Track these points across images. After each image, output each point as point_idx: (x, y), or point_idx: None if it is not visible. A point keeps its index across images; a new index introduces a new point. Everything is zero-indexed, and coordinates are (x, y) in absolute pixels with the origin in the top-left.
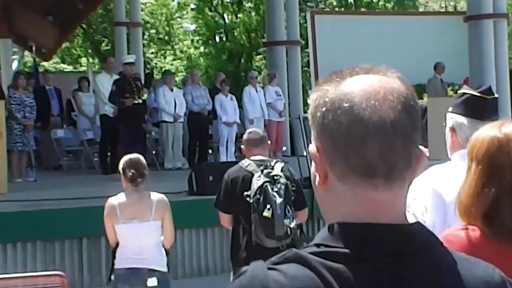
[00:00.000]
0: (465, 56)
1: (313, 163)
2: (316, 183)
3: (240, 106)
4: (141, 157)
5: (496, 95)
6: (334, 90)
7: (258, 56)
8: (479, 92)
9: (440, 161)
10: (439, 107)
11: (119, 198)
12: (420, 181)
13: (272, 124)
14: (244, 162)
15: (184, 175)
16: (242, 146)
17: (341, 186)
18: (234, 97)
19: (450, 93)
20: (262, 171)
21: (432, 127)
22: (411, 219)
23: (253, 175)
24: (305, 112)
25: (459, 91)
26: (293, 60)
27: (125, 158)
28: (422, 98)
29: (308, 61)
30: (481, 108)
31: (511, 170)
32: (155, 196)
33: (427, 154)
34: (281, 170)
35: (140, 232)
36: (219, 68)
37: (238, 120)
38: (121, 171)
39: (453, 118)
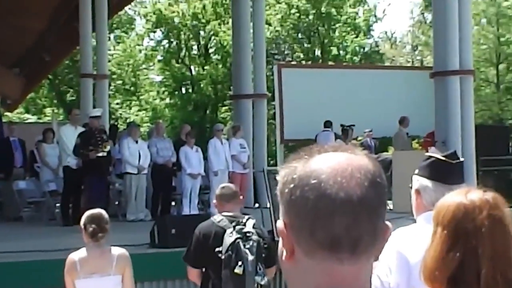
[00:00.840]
0: (431, 110)
1: (280, 238)
2: (283, 258)
3: (205, 157)
4: (103, 212)
5: (461, 159)
6: (302, 167)
7: (223, 108)
8: (444, 156)
9: (404, 215)
10: (404, 161)
11: (79, 254)
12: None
13: (236, 176)
14: (216, 218)
15: (147, 227)
16: (214, 201)
17: (307, 260)
18: (199, 149)
19: (415, 146)
20: (234, 227)
21: (397, 181)
22: (375, 281)
23: (225, 231)
24: (269, 164)
25: (425, 154)
26: (259, 112)
27: (87, 213)
28: (387, 151)
29: (274, 113)
30: (446, 172)
31: (476, 236)
32: (116, 250)
33: (391, 207)
34: (253, 227)
35: (100, 287)
36: (185, 119)
37: (202, 172)
38: (82, 226)
39: (419, 181)
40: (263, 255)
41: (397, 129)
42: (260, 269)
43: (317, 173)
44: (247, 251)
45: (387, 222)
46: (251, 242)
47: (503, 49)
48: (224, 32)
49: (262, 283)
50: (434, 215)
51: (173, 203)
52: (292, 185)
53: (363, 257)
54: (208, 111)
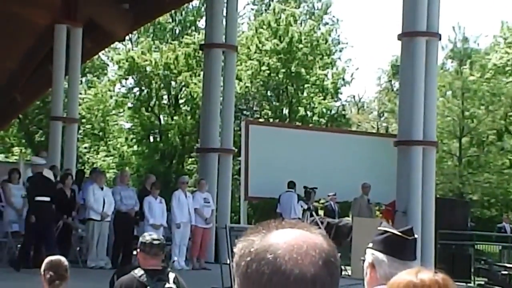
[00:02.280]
0: (394, 178)
1: None
2: None
3: (168, 209)
4: (63, 259)
5: (415, 236)
6: (260, 241)
7: (190, 159)
8: (400, 232)
9: (361, 281)
10: (364, 227)
11: None
12: None
13: (198, 230)
14: (137, 272)
15: (107, 275)
16: (138, 251)
17: None
18: (163, 200)
19: (377, 213)
20: (155, 283)
21: (356, 247)
22: None
23: (145, 286)
24: (232, 220)
25: (379, 228)
26: (225, 167)
27: (47, 259)
28: (349, 216)
29: (239, 169)
30: (401, 247)
31: None
32: None
33: (349, 273)
34: (173, 282)
35: None
36: (151, 168)
37: (165, 223)
38: (41, 272)
39: (374, 255)
40: None
41: (359, 194)
42: None
43: (274, 248)
44: None
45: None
46: None
47: (467, 122)
48: (195, 84)
49: None
50: None
51: (134, 253)
52: (248, 258)
53: None
54: (174, 162)
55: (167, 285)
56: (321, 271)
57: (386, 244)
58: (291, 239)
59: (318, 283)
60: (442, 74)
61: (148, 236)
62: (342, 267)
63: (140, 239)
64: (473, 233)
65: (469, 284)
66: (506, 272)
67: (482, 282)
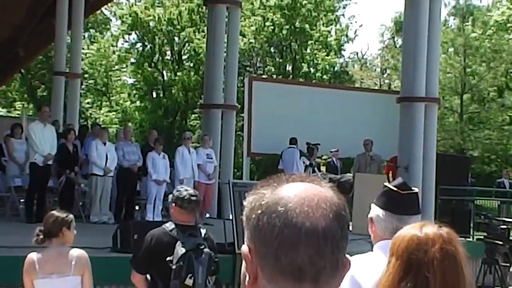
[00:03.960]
0: (396, 134)
1: (243, 263)
2: (246, 283)
3: (172, 165)
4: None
5: (413, 190)
6: (271, 194)
7: (193, 115)
8: (394, 186)
9: (363, 237)
10: (366, 183)
11: (39, 253)
12: None
13: (201, 186)
14: (169, 226)
15: (110, 230)
16: (172, 205)
17: (270, 287)
18: (166, 156)
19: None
20: (186, 238)
21: (358, 202)
22: None
23: (177, 240)
24: (235, 176)
25: (384, 183)
26: (228, 124)
27: (48, 214)
28: (350, 172)
29: (242, 125)
30: (395, 202)
31: (428, 268)
32: (75, 251)
33: (350, 229)
34: (204, 238)
35: (58, 287)
36: (154, 123)
37: (168, 179)
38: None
39: (373, 210)
40: (212, 268)
41: (361, 150)
42: (209, 282)
43: (285, 201)
44: (198, 263)
45: (348, 256)
46: (203, 255)
47: (469, 79)
48: (199, 39)
49: None
50: (390, 245)
51: (137, 208)
52: (259, 211)
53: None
54: (177, 117)
55: (197, 240)
56: (332, 224)
57: (384, 199)
58: (302, 192)
59: (329, 236)
60: (444, 31)
61: (185, 191)
62: None
63: (175, 193)
64: (473, 188)
65: (468, 239)
66: (504, 227)
67: (482, 237)
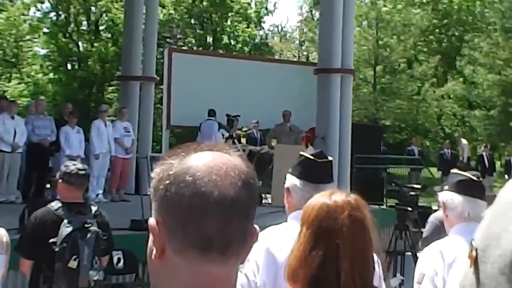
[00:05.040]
0: (314, 105)
1: (150, 236)
2: (152, 256)
3: (87, 139)
4: None
5: (329, 159)
6: (178, 164)
7: (110, 88)
8: (311, 155)
9: (281, 209)
10: (285, 154)
11: None
12: None
13: (118, 160)
14: (54, 205)
15: (17, 210)
16: (59, 181)
17: (177, 260)
18: (81, 130)
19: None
20: (72, 216)
21: (277, 174)
22: (242, 280)
23: (62, 220)
24: (154, 150)
25: (299, 153)
26: (147, 96)
27: None
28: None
29: (161, 98)
30: (313, 171)
31: (338, 235)
32: (2, 231)
33: (269, 201)
34: (94, 216)
35: None
36: (69, 96)
37: (82, 154)
38: None
39: (289, 180)
40: (102, 247)
41: (280, 121)
42: (96, 263)
43: (193, 170)
44: (84, 243)
45: (255, 226)
46: (89, 234)
47: (381, 51)
48: (117, 9)
49: (96, 278)
50: (301, 215)
51: (48, 186)
52: (167, 182)
53: (233, 259)
54: (94, 90)
55: (84, 219)
56: (240, 192)
57: (300, 168)
58: (211, 161)
59: (238, 204)
60: (358, 5)
61: (72, 165)
62: (263, 195)
63: (63, 168)
64: (385, 156)
65: (382, 206)
66: (413, 193)
67: (393, 204)
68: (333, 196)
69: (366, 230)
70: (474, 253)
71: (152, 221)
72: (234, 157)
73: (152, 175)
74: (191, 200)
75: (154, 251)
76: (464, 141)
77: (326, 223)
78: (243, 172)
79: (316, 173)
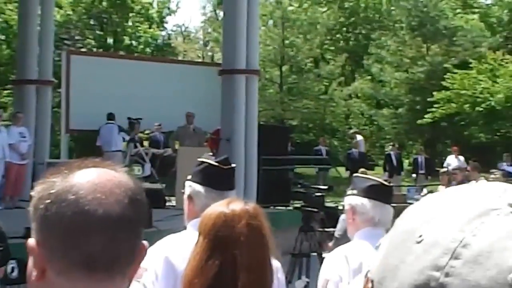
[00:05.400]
0: (219, 107)
1: (30, 258)
2: (32, 278)
3: None
4: None
5: (233, 165)
6: (61, 182)
7: (5, 91)
8: (217, 162)
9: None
10: (189, 156)
11: None
12: (153, 250)
13: (13, 167)
14: None
15: None
16: None
17: (62, 281)
18: None
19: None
20: None
21: (181, 177)
22: None
23: None
24: (53, 154)
25: (198, 159)
26: (43, 100)
27: None
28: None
29: (60, 101)
30: (217, 178)
31: (235, 245)
32: None
33: (174, 204)
34: None
35: None
36: None
37: None
38: None
39: (191, 186)
40: None
41: (183, 123)
42: None
43: (76, 188)
44: None
45: (144, 242)
46: None
47: (287, 51)
48: (11, 10)
49: None
50: (198, 224)
51: None
52: (48, 201)
53: (119, 277)
54: None
55: None
56: (126, 209)
57: (203, 174)
58: (95, 178)
59: (124, 222)
60: (263, 4)
61: None
62: (167, 198)
63: None
64: (293, 157)
65: (288, 208)
66: (320, 194)
67: (299, 205)
68: (231, 205)
69: (264, 238)
70: (370, 285)
71: (31, 241)
72: (120, 173)
73: (32, 193)
74: (73, 219)
75: (34, 273)
76: (359, 137)
77: (223, 232)
78: (130, 188)
79: (220, 180)
